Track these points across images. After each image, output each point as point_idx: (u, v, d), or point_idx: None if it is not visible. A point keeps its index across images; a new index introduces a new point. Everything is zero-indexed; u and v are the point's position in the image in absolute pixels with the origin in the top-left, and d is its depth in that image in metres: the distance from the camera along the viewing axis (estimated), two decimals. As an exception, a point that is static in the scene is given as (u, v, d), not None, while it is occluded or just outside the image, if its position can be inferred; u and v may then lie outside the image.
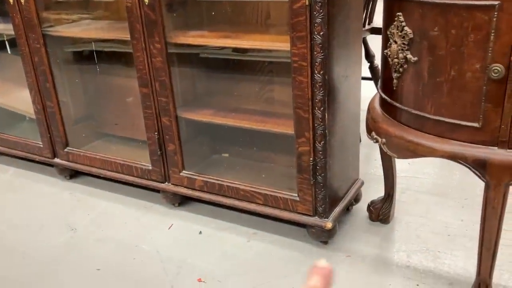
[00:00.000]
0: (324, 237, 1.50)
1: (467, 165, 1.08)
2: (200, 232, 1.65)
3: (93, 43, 2.09)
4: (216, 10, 1.74)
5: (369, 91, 2.18)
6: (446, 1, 1.01)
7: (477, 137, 1.07)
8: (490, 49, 0.99)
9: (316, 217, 1.48)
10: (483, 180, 1.09)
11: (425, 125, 1.15)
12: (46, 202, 1.92)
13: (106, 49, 2.06)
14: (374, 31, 2.22)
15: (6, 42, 2.38)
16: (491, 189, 1.08)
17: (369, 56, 2.29)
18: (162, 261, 1.52)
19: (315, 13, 1.25)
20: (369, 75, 2.33)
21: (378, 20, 2.03)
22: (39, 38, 1.82)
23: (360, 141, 1.67)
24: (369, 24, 2.22)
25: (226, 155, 1.96)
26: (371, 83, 2.37)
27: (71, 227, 1.73)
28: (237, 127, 1.62)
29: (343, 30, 1.37)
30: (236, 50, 1.77)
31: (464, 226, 1.58)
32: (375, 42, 2.17)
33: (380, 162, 1.55)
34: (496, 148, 1.05)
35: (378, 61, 2.35)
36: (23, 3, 1.77)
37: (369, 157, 2.07)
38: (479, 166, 1.07)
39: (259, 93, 1.81)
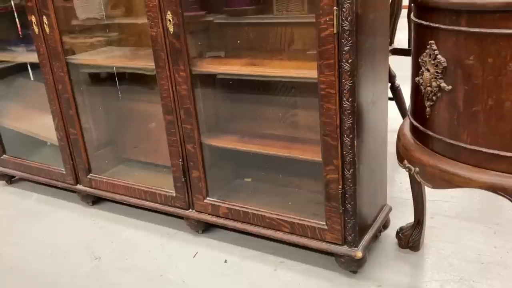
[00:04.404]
0: (353, 266, 1.46)
1: (507, 196, 1.05)
2: (226, 261, 1.62)
3: (114, 68, 2.10)
4: (240, 36, 1.73)
5: (390, 111, 2.14)
6: (483, 30, 0.99)
7: (517, 168, 1.03)
8: (530, 78, 0.96)
9: (346, 246, 1.45)
10: (524, 212, 1.05)
11: (460, 155, 1.12)
12: (69, 229, 1.91)
13: (128, 72, 2.06)
14: (396, 52, 2.20)
15: (29, 67, 2.41)
16: (533, 221, 1.04)
17: (390, 77, 2.26)
18: (189, 291, 1.50)
19: (343, 41, 1.24)
20: (390, 95, 2.30)
21: (399, 39, 2.02)
22: (63, 67, 1.83)
23: (386, 164, 1.64)
24: (390, 45, 2.20)
25: (249, 179, 1.94)
26: (393, 103, 2.34)
27: (95, 255, 1.72)
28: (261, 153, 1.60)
29: (371, 56, 1.36)
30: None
31: (498, 253, 1.54)
32: (394, 62, 2.15)
33: (406, 186, 1.52)
34: (537, 179, 1.02)
35: (398, 81, 2.33)
36: (48, 33, 1.79)
37: (394, 180, 2.04)
38: (520, 198, 1.03)
39: (283, 117, 1.80)
